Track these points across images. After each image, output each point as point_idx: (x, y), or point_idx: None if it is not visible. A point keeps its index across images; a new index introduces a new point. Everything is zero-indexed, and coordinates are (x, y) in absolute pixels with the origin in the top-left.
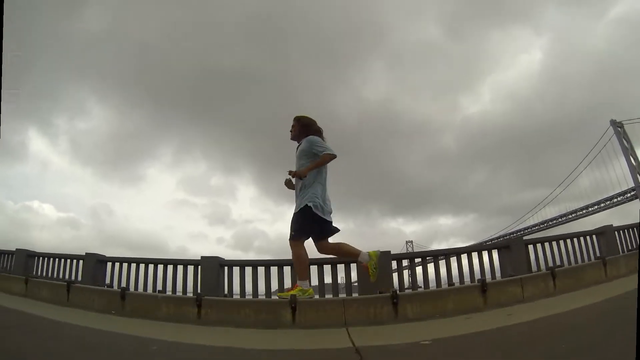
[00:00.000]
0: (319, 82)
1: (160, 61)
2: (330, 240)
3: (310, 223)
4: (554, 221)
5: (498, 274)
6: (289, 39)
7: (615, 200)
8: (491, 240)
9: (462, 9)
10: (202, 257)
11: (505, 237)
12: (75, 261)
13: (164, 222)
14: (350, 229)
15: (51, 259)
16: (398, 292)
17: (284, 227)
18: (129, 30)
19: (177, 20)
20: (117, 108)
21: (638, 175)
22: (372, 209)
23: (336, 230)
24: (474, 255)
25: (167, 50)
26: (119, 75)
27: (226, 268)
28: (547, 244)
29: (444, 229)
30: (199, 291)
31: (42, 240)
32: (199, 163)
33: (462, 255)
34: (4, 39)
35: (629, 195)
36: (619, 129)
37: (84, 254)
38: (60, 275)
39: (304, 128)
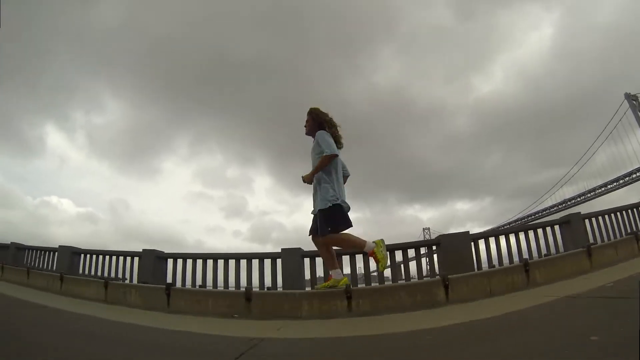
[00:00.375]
0: (332, 70)
1: (175, 53)
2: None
3: (344, 217)
4: (573, 201)
5: None
6: (301, 28)
7: (634, 175)
8: (509, 223)
9: None
10: (282, 249)
11: (523, 220)
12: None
13: (181, 216)
14: (367, 218)
15: (94, 256)
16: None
17: (302, 219)
18: (144, 23)
19: (190, 12)
20: (132, 102)
21: None
22: (389, 196)
23: (350, 224)
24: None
25: (182, 42)
26: (134, 69)
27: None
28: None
29: (461, 214)
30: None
31: (61, 235)
32: (214, 155)
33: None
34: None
35: None
36: (634, 102)
37: (141, 250)
38: (113, 274)
39: (317, 122)
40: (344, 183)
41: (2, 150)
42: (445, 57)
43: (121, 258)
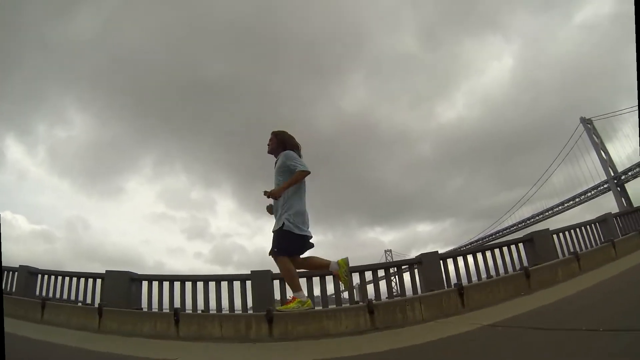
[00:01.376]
0: (299, 93)
1: (144, 71)
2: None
3: (292, 242)
4: (532, 219)
5: None
6: (270, 52)
7: (589, 194)
8: (470, 243)
9: (437, 18)
10: (252, 271)
11: (483, 239)
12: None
13: (142, 236)
14: (329, 241)
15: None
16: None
17: (263, 241)
18: (117, 39)
19: (164, 30)
20: (98, 117)
21: (609, 168)
22: (351, 219)
23: (311, 245)
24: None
25: (152, 59)
26: (102, 84)
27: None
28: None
29: (423, 236)
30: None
31: (12, 253)
32: (179, 176)
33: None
34: None
35: (602, 188)
36: (589, 125)
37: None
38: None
39: (281, 143)
40: None
41: None
42: (410, 83)
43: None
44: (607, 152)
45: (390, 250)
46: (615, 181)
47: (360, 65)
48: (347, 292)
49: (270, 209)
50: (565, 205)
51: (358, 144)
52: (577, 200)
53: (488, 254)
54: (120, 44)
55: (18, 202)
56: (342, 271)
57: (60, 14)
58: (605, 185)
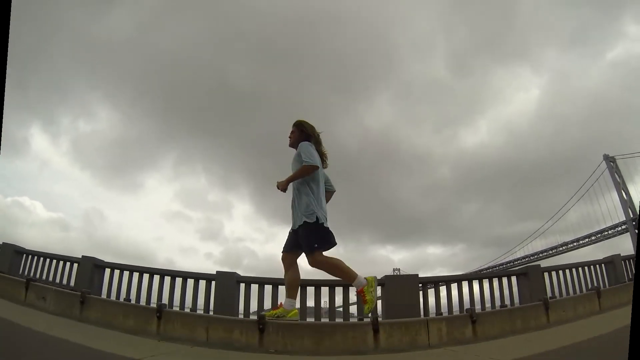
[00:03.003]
0: (325, 106)
1: (174, 73)
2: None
3: (326, 233)
4: (544, 253)
5: None
6: (301, 64)
7: (606, 233)
8: (480, 271)
9: (468, 46)
10: (217, 271)
11: (493, 268)
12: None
13: (156, 233)
14: (339, 254)
15: (41, 259)
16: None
17: (275, 248)
18: (150, 38)
19: (198, 35)
20: (125, 114)
21: (629, 209)
22: (363, 235)
23: (335, 243)
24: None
25: (182, 62)
26: (132, 82)
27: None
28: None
29: (432, 258)
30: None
31: (28, 237)
32: (199, 177)
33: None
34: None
35: (620, 228)
36: (612, 163)
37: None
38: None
39: (301, 134)
40: (328, 199)
41: None
42: (436, 107)
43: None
44: (627, 193)
45: (399, 269)
46: (634, 223)
47: (388, 87)
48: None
49: (282, 184)
50: (580, 242)
51: (378, 162)
52: (592, 238)
53: (475, 284)
54: (154, 45)
55: (38, 190)
56: (370, 290)
57: (98, 11)
58: (624, 226)
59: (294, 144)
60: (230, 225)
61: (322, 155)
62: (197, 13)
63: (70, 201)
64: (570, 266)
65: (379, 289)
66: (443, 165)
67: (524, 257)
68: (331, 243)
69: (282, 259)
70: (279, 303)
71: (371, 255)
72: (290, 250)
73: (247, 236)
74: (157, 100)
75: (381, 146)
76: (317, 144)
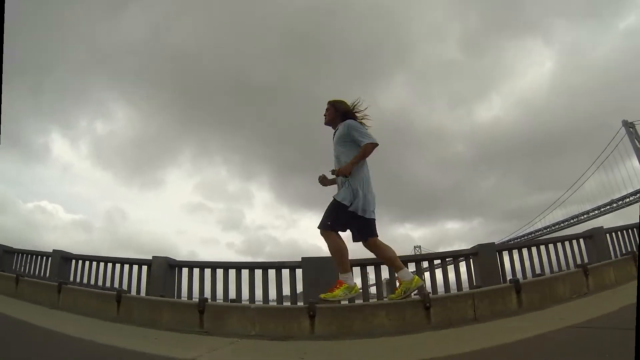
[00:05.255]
0: (341, 90)
1: (190, 68)
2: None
3: (345, 218)
4: (565, 223)
5: None
6: (317, 51)
7: (627, 200)
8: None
9: (480, 23)
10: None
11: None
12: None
13: (178, 226)
14: None
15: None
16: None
17: (296, 234)
18: (166, 34)
19: (216, 29)
20: (143, 111)
21: None
22: (382, 215)
23: (372, 230)
24: None
25: (203, 56)
26: (149, 80)
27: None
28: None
29: (451, 233)
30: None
31: (52, 241)
32: (218, 168)
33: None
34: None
35: None
36: (631, 129)
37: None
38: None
39: (340, 112)
40: None
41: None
42: (451, 86)
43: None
44: None
45: (420, 247)
46: None
47: (403, 70)
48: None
49: (324, 180)
50: (602, 209)
51: (394, 142)
52: (614, 205)
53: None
54: (170, 42)
55: (58, 193)
56: (408, 287)
57: (114, 12)
58: None
59: (329, 122)
60: (251, 214)
61: None
62: (213, 8)
63: (92, 202)
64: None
65: None
66: (458, 141)
67: (545, 228)
68: (337, 228)
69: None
70: (396, 281)
71: (391, 234)
72: (364, 240)
73: (268, 224)
74: (174, 96)
75: (397, 125)
76: (361, 119)
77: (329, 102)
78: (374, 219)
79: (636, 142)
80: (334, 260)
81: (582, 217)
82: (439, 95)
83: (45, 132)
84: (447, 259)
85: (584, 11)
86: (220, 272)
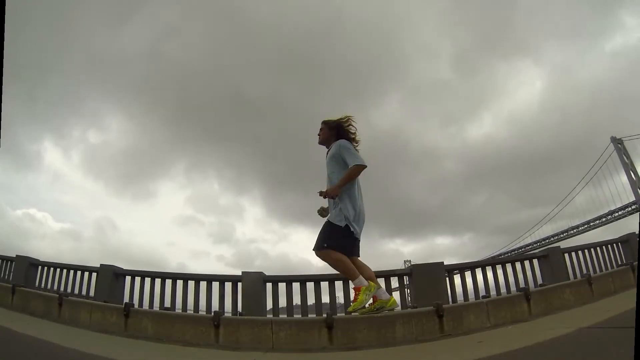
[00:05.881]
0: (335, 110)
1: (187, 80)
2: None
3: (344, 240)
4: (554, 237)
5: None
6: (311, 70)
7: (616, 214)
8: (491, 258)
9: (471, 45)
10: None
11: (504, 255)
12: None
13: (168, 238)
14: None
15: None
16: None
17: (287, 248)
18: (159, 48)
19: (212, 44)
20: (136, 123)
21: (639, 189)
22: (373, 230)
23: (358, 250)
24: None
25: (192, 70)
26: (142, 92)
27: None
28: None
29: (441, 249)
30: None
31: (40, 249)
32: (211, 181)
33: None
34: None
35: (630, 209)
36: (619, 145)
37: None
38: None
39: (333, 131)
40: None
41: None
42: (443, 105)
43: (78, 273)
44: (637, 173)
45: (410, 261)
46: None
47: (396, 89)
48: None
49: (323, 212)
50: (591, 224)
51: (386, 159)
52: (603, 220)
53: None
54: (164, 54)
55: (48, 201)
56: (383, 305)
57: (113, 25)
58: (634, 206)
59: (323, 141)
60: (242, 228)
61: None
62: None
63: (81, 212)
64: (589, 246)
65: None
66: (449, 159)
67: (534, 243)
68: (338, 250)
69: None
70: (353, 289)
71: (382, 250)
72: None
73: (259, 237)
74: (167, 108)
75: (389, 144)
76: (354, 141)
77: (323, 122)
78: (359, 240)
79: (624, 157)
80: (341, 272)
81: (572, 232)
82: (431, 113)
83: (39, 140)
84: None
85: (572, 32)
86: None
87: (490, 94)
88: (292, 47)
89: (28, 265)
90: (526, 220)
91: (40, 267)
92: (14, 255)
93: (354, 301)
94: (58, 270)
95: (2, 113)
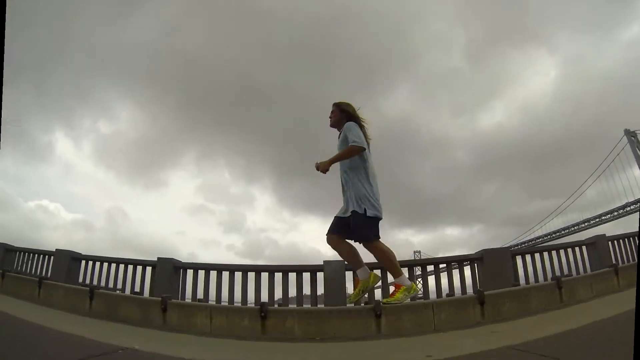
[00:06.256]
0: (345, 96)
1: (196, 70)
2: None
3: (377, 225)
4: (566, 230)
5: None
6: (322, 60)
7: (628, 208)
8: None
9: (485, 33)
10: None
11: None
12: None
13: (179, 228)
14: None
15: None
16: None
17: (297, 237)
18: (172, 37)
19: (224, 33)
20: (147, 112)
21: None
22: (383, 221)
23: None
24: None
25: (209, 59)
26: (153, 81)
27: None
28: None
29: (450, 239)
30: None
31: (53, 240)
32: (222, 170)
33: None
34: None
35: None
36: (633, 137)
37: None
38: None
39: (345, 114)
40: None
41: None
42: (455, 94)
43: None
44: None
45: (420, 251)
46: None
47: (409, 78)
48: None
49: (323, 165)
50: (603, 218)
51: (397, 149)
52: (615, 213)
53: None
54: (177, 45)
55: (60, 192)
56: (405, 293)
57: (124, 14)
58: None
59: (334, 123)
60: (252, 217)
61: (367, 138)
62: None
63: (93, 202)
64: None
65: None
66: (460, 149)
67: (545, 235)
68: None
69: (328, 241)
70: (393, 285)
71: (391, 239)
72: (336, 233)
73: (269, 227)
74: (178, 98)
75: (399, 133)
76: (362, 127)
77: (334, 104)
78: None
79: (637, 150)
80: (387, 265)
81: (583, 225)
82: (443, 103)
83: (50, 131)
84: (452, 264)
85: (588, 22)
86: (226, 275)
87: (504, 83)
88: (303, 36)
89: (70, 260)
90: (537, 212)
91: (83, 261)
92: (54, 250)
93: (391, 296)
94: (113, 265)
95: (2, 113)
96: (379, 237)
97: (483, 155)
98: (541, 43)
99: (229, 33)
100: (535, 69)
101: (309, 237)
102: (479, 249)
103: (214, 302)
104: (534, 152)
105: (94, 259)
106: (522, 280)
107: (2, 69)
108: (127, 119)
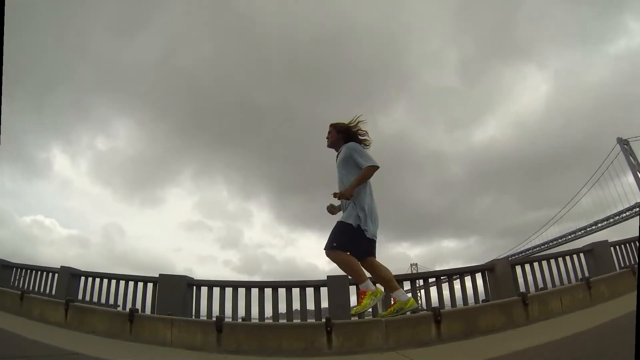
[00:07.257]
0: (342, 113)
1: (193, 87)
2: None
3: (355, 240)
4: (562, 239)
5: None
6: (318, 77)
7: (623, 215)
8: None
9: (476, 52)
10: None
11: (513, 256)
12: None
13: (175, 244)
14: None
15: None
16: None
17: (294, 252)
18: (169, 56)
19: (223, 54)
20: (144, 130)
21: None
22: (379, 234)
23: (373, 250)
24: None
25: (200, 77)
26: (151, 98)
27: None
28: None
29: (447, 252)
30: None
31: (48, 256)
32: (219, 187)
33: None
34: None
35: (637, 209)
36: (626, 146)
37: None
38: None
39: (342, 134)
40: None
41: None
42: (449, 111)
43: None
44: None
45: (416, 264)
46: None
47: (403, 96)
48: None
49: (332, 209)
50: (599, 225)
51: (393, 164)
52: (610, 220)
53: None
54: (173, 63)
55: (56, 207)
56: (370, 297)
57: (123, 34)
58: None
59: (332, 144)
60: (249, 233)
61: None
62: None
63: (89, 218)
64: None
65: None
66: (455, 163)
67: (542, 244)
68: (349, 250)
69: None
70: (391, 299)
71: (388, 253)
72: (362, 259)
73: (266, 242)
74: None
75: (396, 148)
76: (363, 142)
77: (331, 125)
78: (375, 240)
79: (630, 158)
80: (349, 274)
81: (580, 233)
82: (437, 119)
83: (47, 148)
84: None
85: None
86: (242, 292)
87: (496, 98)
88: (300, 54)
89: (70, 276)
90: (533, 222)
91: (84, 277)
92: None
93: (358, 304)
94: (114, 282)
95: (2, 113)
96: (339, 249)
97: (478, 168)
98: (531, 58)
99: (226, 50)
100: (527, 84)
101: (305, 253)
102: (475, 261)
103: (230, 319)
104: (528, 164)
105: (94, 275)
106: (522, 288)
107: (2, 69)
108: (125, 136)
